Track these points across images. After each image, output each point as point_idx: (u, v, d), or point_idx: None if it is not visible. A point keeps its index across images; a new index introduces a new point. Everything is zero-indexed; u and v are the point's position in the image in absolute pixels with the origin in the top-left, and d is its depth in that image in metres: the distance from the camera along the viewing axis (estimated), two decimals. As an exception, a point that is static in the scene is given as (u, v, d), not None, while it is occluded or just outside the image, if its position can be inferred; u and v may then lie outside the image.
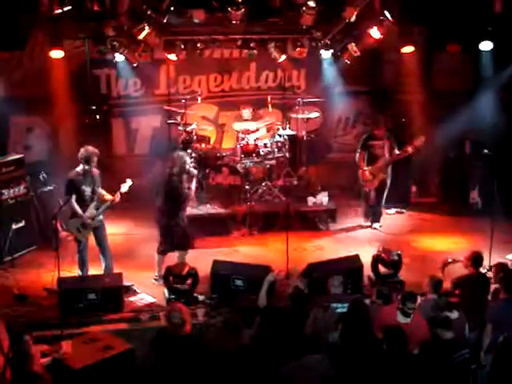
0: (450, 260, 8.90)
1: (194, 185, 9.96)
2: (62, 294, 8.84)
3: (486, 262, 9.65)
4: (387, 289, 8.21)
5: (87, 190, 9.45)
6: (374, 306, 7.98)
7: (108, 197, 9.56)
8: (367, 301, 8.57)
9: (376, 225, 12.02)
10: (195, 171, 10.13)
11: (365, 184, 11.80)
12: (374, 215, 12.06)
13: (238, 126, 12.54)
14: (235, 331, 7.00)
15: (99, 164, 9.65)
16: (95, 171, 9.57)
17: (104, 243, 9.74)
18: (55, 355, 7.22)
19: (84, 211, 9.43)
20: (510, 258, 10.15)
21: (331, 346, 6.92)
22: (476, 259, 8.59)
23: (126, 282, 9.39)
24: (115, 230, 11.27)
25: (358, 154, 11.78)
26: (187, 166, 9.67)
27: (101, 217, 9.65)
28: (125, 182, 9.56)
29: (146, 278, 9.91)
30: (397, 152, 11.60)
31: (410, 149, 11.39)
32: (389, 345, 6.74)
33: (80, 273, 9.64)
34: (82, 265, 9.65)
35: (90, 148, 9.42)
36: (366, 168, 11.63)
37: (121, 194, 9.51)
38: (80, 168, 9.40)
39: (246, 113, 12.72)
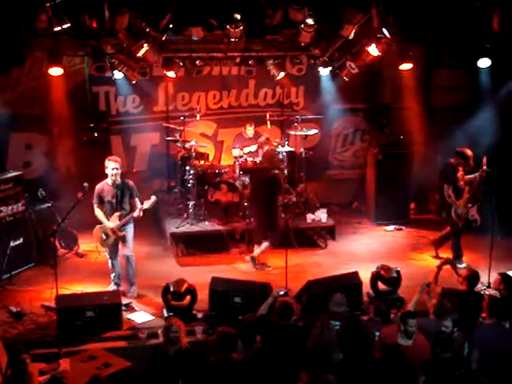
0: (449, 261, 8.92)
1: None
2: (60, 312, 8.79)
3: (485, 279, 9.69)
4: (385, 306, 8.16)
5: (109, 200, 9.59)
6: (373, 323, 7.95)
7: (138, 207, 9.63)
8: (365, 318, 8.59)
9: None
10: None
11: (461, 219, 11.08)
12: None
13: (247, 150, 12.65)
14: (230, 347, 6.98)
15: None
16: (128, 183, 9.73)
17: (118, 254, 9.86)
18: (53, 373, 7.21)
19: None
20: (510, 274, 10.11)
21: (336, 365, 6.88)
22: (471, 279, 8.58)
23: (124, 300, 9.37)
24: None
25: (447, 189, 11.06)
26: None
27: (128, 228, 9.73)
28: (148, 198, 9.69)
29: (145, 296, 9.87)
30: (469, 177, 11.06)
31: (484, 174, 10.91)
32: (388, 364, 6.70)
33: (112, 279, 9.89)
34: (112, 270, 9.90)
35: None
36: (459, 202, 11.04)
37: (142, 210, 9.62)
38: (108, 178, 9.59)
39: (250, 130, 12.83)
